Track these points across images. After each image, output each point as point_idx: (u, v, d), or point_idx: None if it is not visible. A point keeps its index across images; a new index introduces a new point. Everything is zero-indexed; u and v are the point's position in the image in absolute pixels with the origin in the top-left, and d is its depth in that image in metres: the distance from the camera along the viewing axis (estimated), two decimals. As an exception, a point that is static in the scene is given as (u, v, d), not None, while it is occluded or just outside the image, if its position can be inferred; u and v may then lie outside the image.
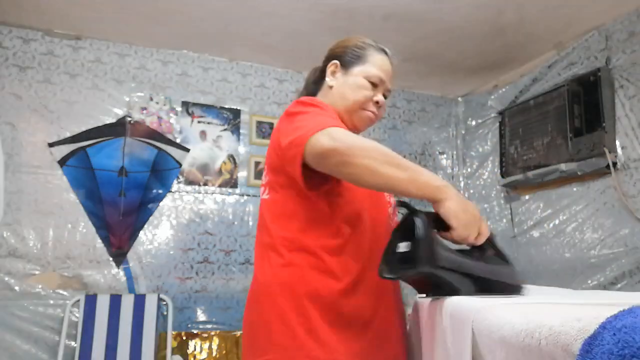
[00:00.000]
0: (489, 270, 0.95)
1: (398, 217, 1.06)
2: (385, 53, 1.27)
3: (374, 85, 1.22)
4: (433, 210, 0.96)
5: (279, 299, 1.06)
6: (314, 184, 1.07)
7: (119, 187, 2.85)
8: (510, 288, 0.96)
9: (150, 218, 2.89)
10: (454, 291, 0.91)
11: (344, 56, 1.25)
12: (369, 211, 1.15)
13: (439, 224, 0.95)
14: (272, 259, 1.11)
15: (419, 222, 0.93)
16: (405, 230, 0.96)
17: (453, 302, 0.86)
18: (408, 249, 0.94)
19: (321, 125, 1.00)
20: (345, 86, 1.22)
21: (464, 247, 1.00)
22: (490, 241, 1.00)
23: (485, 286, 0.93)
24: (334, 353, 1.02)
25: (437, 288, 0.94)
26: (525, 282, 1.00)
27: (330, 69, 1.26)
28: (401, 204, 1.00)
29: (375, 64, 1.23)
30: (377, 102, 1.22)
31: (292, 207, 1.12)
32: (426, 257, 0.90)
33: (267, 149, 1.23)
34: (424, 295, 1.02)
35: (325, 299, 1.05)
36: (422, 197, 0.95)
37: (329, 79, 1.25)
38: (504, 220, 3.28)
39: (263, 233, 1.17)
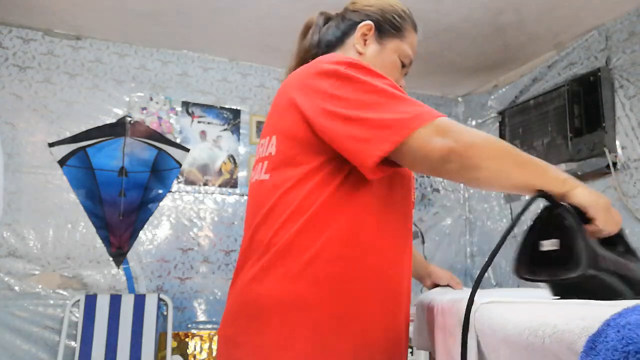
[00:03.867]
0: (634, 269, 0.82)
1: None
2: (416, 30, 1.11)
3: (403, 66, 1.09)
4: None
5: (280, 317, 0.87)
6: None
7: (119, 187, 2.85)
8: None
9: (150, 218, 2.89)
10: (614, 296, 0.76)
11: (381, 21, 1.06)
12: (404, 193, 1.00)
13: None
14: (265, 263, 0.90)
15: (571, 216, 0.79)
16: (545, 225, 0.84)
17: (454, 300, 0.86)
18: (557, 247, 0.80)
19: (426, 114, 0.81)
20: (379, 60, 1.04)
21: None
22: (619, 235, 0.86)
23: (635, 288, 0.79)
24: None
25: (590, 293, 0.75)
26: None
27: (361, 30, 1.06)
28: (542, 195, 0.83)
29: (410, 43, 1.08)
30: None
31: (306, 201, 0.89)
32: (588, 258, 0.76)
33: (268, 117, 1.02)
34: (558, 298, 0.84)
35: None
36: (551, 191, 0.82)
37: (358, 43, 1.06)
38: (504, 220, 3.28)
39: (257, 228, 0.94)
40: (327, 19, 1.14)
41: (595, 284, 0.76)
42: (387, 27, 1.06)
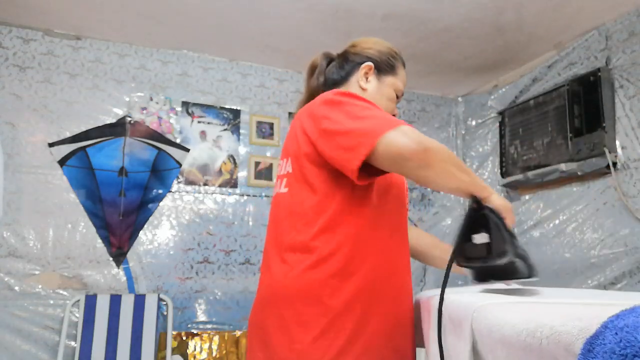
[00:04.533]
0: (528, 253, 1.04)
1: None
2: (404, 66, 1.33)
3: (397, 97, 1.29)
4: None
5: (298, 305, 1.03)
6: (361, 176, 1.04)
7: (119, 187, 2.85)
8: (534, 271, 1.03)
9: (150, 218, 2.89)
10: (516, 275, 0.98)
11: (379, 62, 1.27)
12: (397, 208, 1.17)
13: None
14: (287, 259, 1.08)
15: (493, 214, 1.00)
16: (474, 222, 1.03)
17: (451, 300, 0.86)
18: (487, 240, 1.00)
19: (394, 122, 0.98)
20: (379, 95, 1.25)
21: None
22: None
23: (531, 271, 0.99)
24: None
25: (503, 274, 1.00)
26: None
27: (363, 69, 1.26)
28: (474, 199, 1.04)
29: (402, 79, 1.30)
30: (394, 115, 1.27)
31: (311, 203, 1.08)
32: (511, 247, 0.96)
33: (286, 141, 1.21)
34: (477, 282, 1.07)
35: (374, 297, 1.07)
36: (479, 196, 1.02)
37: (361, 80, 1.26)
38: (504, 220, 3.27)
39: (275, 230, 1.15)
40: (330, 59, 1.33)
41: (510, 267, 0.97)
42: (384, 66, 1.27)
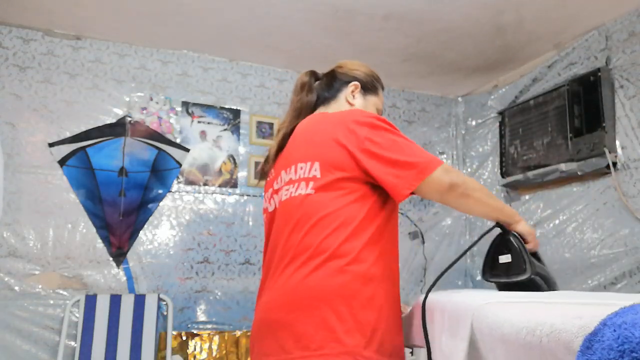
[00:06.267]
0: (549, 272, 1.28)
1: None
2: (383, 90, 1.49)
3: None
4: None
5: (330, 302, 1.12)
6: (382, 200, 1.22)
7: (119, 187, 2.85)
8: (555, 286, 1.29)
9: (150, 218, 2.89)
10: (538, 290, 1.22)
11: (365, 82, 1.42)
12: (396, 224, 1.33)
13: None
14: (307, 262, 1.16)
15: (516, 239, 1.25)
16: (500, 245, 1.28)
17: (452, 301, 0.86)
18: (509, 260, 1.24)
19: (438, 161, 1.18)
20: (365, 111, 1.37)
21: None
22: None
23: (550, 286, 1.25)
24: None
25: (525, 289, 1.21)
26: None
27: (351, 87, 1.40)
28: (498, 225, 1.29)
29: (381, 100, 1.47)
30: None
31: (342, 212, 1.18)
32: (530, 267, 1.20)
33: (304, 145, 1.28)
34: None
35: (373, 303, 1.15)
36: (505, 222, 1.28)
37: (349, 97, 1.40)
38: (504, 220, 3.27)
39: (291, 233, 1.21)
40: (316, 78, 1.46)
41: (530, 283, 1.22)
42: (369, 86, 1.43)
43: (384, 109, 1.58)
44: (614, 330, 0.43)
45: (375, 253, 1.17)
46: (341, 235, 1.15)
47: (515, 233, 1.25)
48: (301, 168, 1.25)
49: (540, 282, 1.21)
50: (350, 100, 1.39)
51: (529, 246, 1.25)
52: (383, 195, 1.22)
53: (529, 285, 1.21)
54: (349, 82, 1.41)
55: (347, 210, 1.18)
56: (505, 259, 1.24)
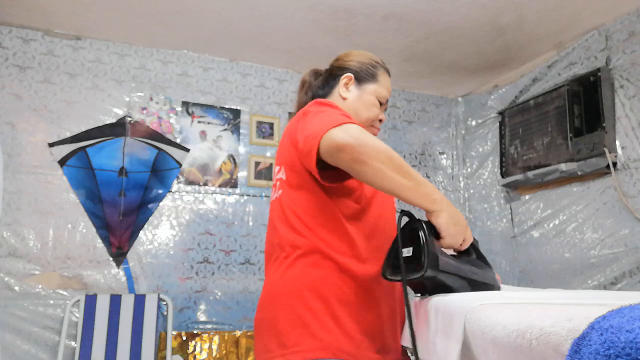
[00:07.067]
0: (477, 273, 1.06)
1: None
2: (389, 74, 1.38)
3: (381, 104, 1.34)
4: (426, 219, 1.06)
5: (304, 298, 1.11)
6: (328, 177, 1.12)
7: (119, 187, 2.85)
8: (491, 289, 1.08)
9: (150, 218, 2.90)
10: (450, 291, 1.00)
11: (359, 71, 1.33)
12: (377, 212, 1.23)
13: (433, 231, 1.04)
14: (283, 260, 1.17)
15: (422, 230, 1.01)
16: (406, 236, 1.05)
17: (445, 302, 0.86)
18: (410, 254, 1.02)
19: (339, 121, 1.05)
20: (360, 102, 1.32)
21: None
22: (473, 246, 1.11)
23: (475, 287, 1.04)
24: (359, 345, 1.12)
25: (435, 289, 1.01)
26: (499, 285, 1.13)
27: (343, 80, 1.33)
28: (404, 212, 1.05)
29: (385, 85, 1.35)
30: (380, 120, 1.36)
31: (304, 207, 1.17)
32: (431, 263, 0.97)
33: (279, 149, 1.29)
34: (419, 295, 1.08)
35: (348, 297, 1.13)
36: (420, 206, 1.03)
37: (342, 90, 1.33)
38: (504, 220, 3.27)
39: (272, 233, 1.23)
40: (317, 75, 1.42)
41: (435, 283, 0.99)
42: (364, 75, 1.33)
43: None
44: (601, 334, 0.43)
45: (347, 244, 1.15)
46: (310, 230, 1.15)
47: (422, 222, 1.03)
48: (277, 170, 1.28)
49: (446, 281, 0.99)
50: (343, 94, 1.33)
51: (442, 242, 1.03)
52: (345, 186, 1.17)
53: (434, 285, 1.01)
54: (342, 75, 1.34)
55: (310, 206, 1.16)
56: (406, 252, 1.04)
